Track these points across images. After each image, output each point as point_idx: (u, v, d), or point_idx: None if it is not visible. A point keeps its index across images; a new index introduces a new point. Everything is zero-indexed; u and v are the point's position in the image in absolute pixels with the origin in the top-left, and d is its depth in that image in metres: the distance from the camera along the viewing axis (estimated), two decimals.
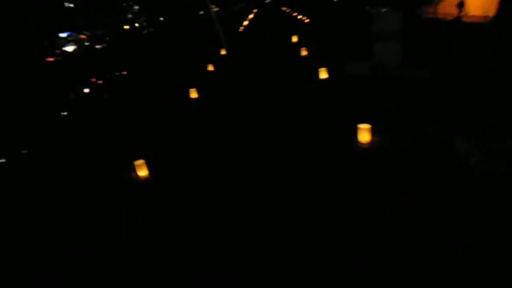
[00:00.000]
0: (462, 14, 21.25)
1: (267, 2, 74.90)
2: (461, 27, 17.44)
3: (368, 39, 9.59)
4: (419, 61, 9.07)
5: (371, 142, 5.83)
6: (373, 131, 5.89)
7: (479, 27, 17.53)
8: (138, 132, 9.41)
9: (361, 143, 5.85)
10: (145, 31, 65.04)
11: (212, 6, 24.38)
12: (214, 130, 8.34)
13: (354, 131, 6.06)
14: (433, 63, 8.88)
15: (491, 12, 20.98)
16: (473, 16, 20.96)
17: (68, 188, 6.92)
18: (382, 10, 8.95)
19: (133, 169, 6.14)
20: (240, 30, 32.59)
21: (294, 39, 18.30)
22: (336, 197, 4.75)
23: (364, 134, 5.81)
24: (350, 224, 4.19)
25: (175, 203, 5.48)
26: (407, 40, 9.09)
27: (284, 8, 53.81)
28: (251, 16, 50.61)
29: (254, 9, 60.90)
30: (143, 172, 6.11)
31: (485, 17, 20.95)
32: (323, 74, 10.29)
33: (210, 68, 15.04)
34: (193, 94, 10.90)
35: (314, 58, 13.27)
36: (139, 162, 6.08)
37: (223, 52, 19.44)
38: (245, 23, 38.24)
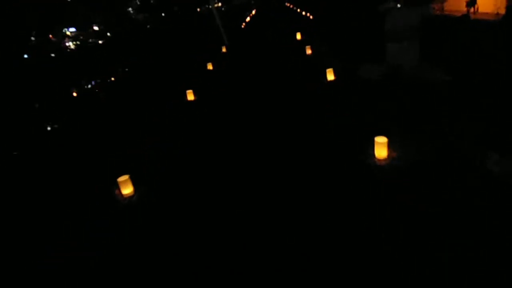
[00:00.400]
0: (473, 11, 20.48)
1: None
2: (471, 25, 16.64)
3: (380, 38, 8.77)
4: (438, 62, 8.28)
5: (389, 158, 5.06)
6: (391, 144, 5.12)
7: (490, 25, 16.75)
8: (130, 137, 8.67)
9: (378, 159, 5.08)
10: (148, 26, 64.39)
11: (215, 1, 23.58)
12: (211, 138, 7.57)
13: (369, 144, 5.32)
14: (455, 65, 8.09)
15: (503, 9, 20.19)
16: (484, 13, 20.20)
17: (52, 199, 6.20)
18: (398, 6, 8.09)
19: (116, 186, 5.38)
20: (242, 26, 31.74)
21: (298, 36, 17.53)
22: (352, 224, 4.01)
23: (381, 148, 5.04)
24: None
25: (164, 223, 4.74)
26: (424, 40, 8.26)
27: (287, 4, 52.98)
28: (253, 11, 49.73)
29: (256, 4, 59.93)
30: (127, 189, 5.35)
31: (496, 14, 20.18)
32: (330, 76, 9.51)
33: (210, 67, 14.23)
34: (190, 96, 10.11)
35: (320, 57, 12.47)
36: (123, 178, 5.31)
37: (223, 49, 18.63)
38: (247, 19, 37.38)
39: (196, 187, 5.56)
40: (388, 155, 5.06)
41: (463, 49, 10.41)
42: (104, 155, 7.63)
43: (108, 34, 68.17)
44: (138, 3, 75.31)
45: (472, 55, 9.80)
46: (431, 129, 5.66)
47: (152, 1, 69.70)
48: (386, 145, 4.99)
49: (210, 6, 19.50)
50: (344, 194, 4.57)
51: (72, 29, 61.95)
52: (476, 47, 10.95)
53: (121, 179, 5.30)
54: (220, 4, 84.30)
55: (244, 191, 5.14)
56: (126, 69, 21.63)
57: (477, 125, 5.52)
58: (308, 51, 13.54)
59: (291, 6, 45.47)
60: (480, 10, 19.91)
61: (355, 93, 7.99)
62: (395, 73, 8.04)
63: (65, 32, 66.42)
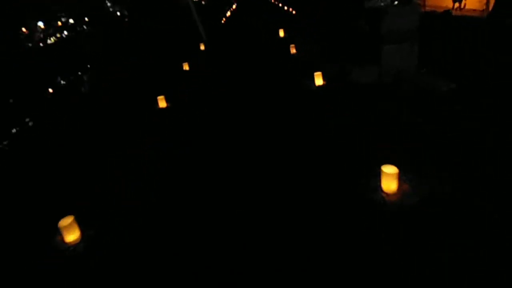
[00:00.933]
0: (459, 7, 20.02)
1: None
2: (453, 22, 16.06)
3: (375, 39, 7.84)
4: (440, 67, 7.44)
5: (400, 192, 4.10)
6: (402, 176, 4.17)
7: (473, 21, 16.24)
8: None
9: (385, 193, 4.12)
10: (126, 19, 61.92)
11: None
12: (181, 160, 6.46)
13: (372, 172, 4.38)
14: (459, 70, 7.26)
15: (484, 5, 19.81)
16: (471, 10, 19.74)
17: None
18: (395, 3, 7.16)
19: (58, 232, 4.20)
20: (222, 21, 30.44)
21: (281, 33, 16.51)
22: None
23: (390, 180, 4.07)
24: None
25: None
26: (424, 41, 7.38)
27: None
28: (234, 6, 48.39)
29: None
30: (72, 235, 4.20)
31: (483, 11, 19.75)
32: (319, 80, 8.52)
33: (186, 67, 12.98)
34: (162, 103, 8.91)
35: (305, 56, 11.50)
36: (67, 221, 4.15)
37: (201, 47, 17.37)
38: (228, 13, 36.08)
39: (165, 223, 4.47)
40: (399, 188, 4.11)
41: (449, 49, 9.71)
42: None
43: (84, 27, 65.17)
44: None
45: (460, 55, 9.10)
46: (448, 157, 4.74)
47: None
48: (396, 176, 4.03)
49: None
50: (342, 246, 3.59)
51: (40, 23, 58.81)
52: (461, 46, 10.29)
53: (63, 223, 4.14)
54: None
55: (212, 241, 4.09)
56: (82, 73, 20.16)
57: (499, 149, 4.66)
58: (293, 50, 12.56)
59: (272, 0, 44.49)
60: (468, 6, 19.39)
61: (348, 101, 7.04)
62: (394, 79, 7.12)
63: (39, 26, 63.07)
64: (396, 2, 7.22)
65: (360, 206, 4.05)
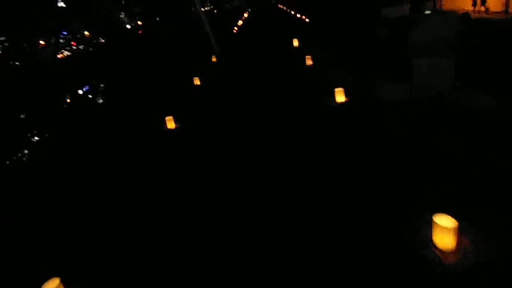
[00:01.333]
0: (478, 10, 19.11)
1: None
2: (472, 25, 15.10)
3: (398, 50, 7.06)
4: (477, 80, 6.59)
5: (460, 249, 3.28)
6: (461, 230, 3.34)
7: (493, 24, 15.32)
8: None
9: (441, 250, 3.30)
10: (140, 31, 62.57)
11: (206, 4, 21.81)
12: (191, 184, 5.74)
13: (418, 220, 3.59)
14: (499, 83, 6.41)
15: (509, 7, 18.91)
16: (495, 12, 18.78)
17: None
18: (427, 12, 6.35)
19: None
20: (234, 31, 29.96)
21: (295, 43, 15.82)
22: None
23: (445, 235, 3.25)
24: None
25: None
26: (461, 54, 6.55)
27: (280, 6, 51.85)
28: (246, 14, 48.18)
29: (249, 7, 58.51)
30: None
31: (506, 12, 18.81)
32: (340, 97, 7.74)
33: (197, 81, 12.33)
34: (170, 123, 8.25)
35: (322, 69, 10.74)
36: (52, 285, 3.46)
37: (213, 59, 16.77)
38: (240, 23, 35.67)
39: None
40: (458, 245, 3.28)
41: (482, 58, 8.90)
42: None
43: (102, 40, 65.63)
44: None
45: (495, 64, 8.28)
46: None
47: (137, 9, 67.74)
48: (454, 232, 3.21)
49: (194, 8, 17.68)
50: None
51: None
52: (492, 53, 9.49)
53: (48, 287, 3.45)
54: (212, 7, 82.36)
55: None
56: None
57: None
58: (309, 62, 11.82)
59: (285, 8, 44.20)
60: (492, 9, 18.40)
61: (375, 121, 6.23)
62: (426, 96, 6.29)
63: (55, 39, 63.82)
64: (427, 12, 6.41)
65: (406, 267, 3.25)
